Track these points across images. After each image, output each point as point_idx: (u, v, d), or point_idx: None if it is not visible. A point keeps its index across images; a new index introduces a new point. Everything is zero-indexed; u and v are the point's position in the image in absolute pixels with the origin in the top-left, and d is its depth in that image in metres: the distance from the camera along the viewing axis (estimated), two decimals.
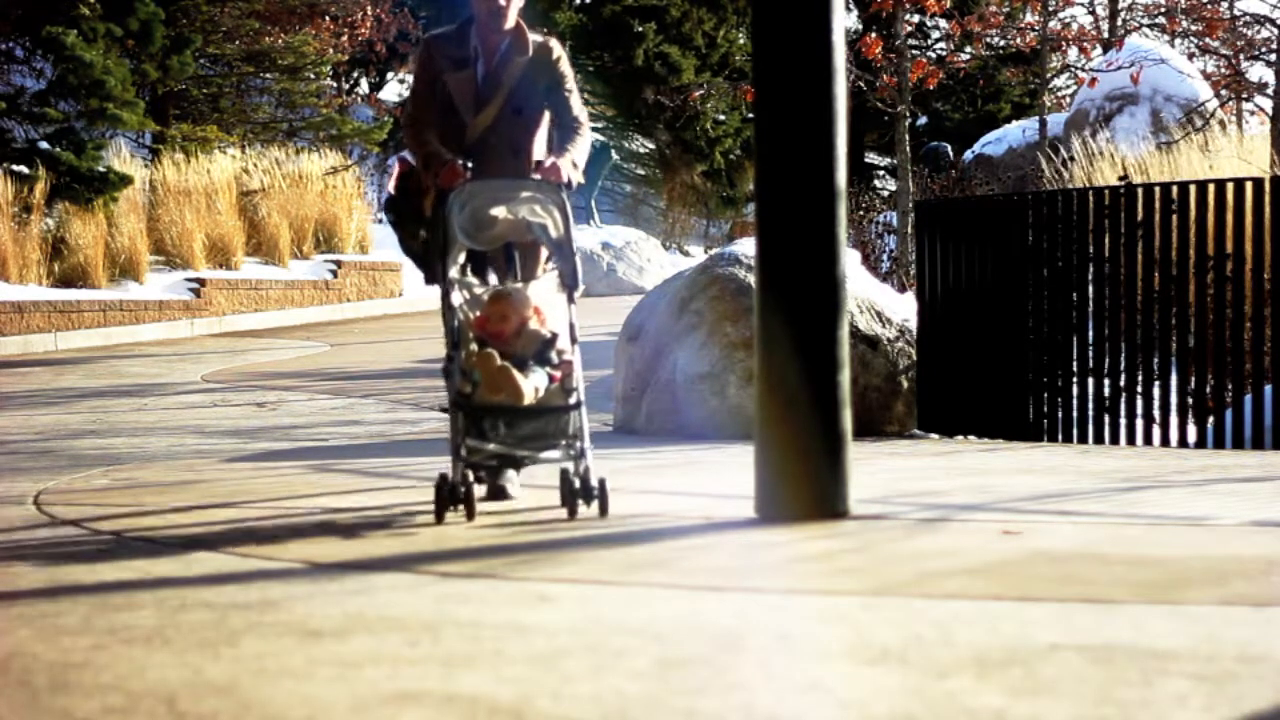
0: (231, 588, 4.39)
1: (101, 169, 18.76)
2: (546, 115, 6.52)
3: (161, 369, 14.90)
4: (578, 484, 5.58)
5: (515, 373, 5.65)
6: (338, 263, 21.48)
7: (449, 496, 5.53)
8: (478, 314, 5.94)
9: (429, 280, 6.21)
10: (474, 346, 5.77)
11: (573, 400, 5.75)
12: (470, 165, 6.16)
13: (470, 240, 5.93)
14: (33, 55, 20.36)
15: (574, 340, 5.91)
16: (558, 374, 5.79)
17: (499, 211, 5.90)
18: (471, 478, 5.60)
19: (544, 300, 5.96)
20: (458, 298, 5.90)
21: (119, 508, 6.37)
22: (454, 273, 5.91)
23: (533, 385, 5.71)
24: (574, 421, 5.72)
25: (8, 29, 20.36)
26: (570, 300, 5.96)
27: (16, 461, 8.52)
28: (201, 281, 19.43)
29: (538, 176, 6.18)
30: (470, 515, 5.52)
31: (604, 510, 5.55)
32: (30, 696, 3.15)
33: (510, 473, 6.18)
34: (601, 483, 5.57)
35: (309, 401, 11.92)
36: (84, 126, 19.22)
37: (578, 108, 6.52)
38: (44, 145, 18.71)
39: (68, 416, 11.10)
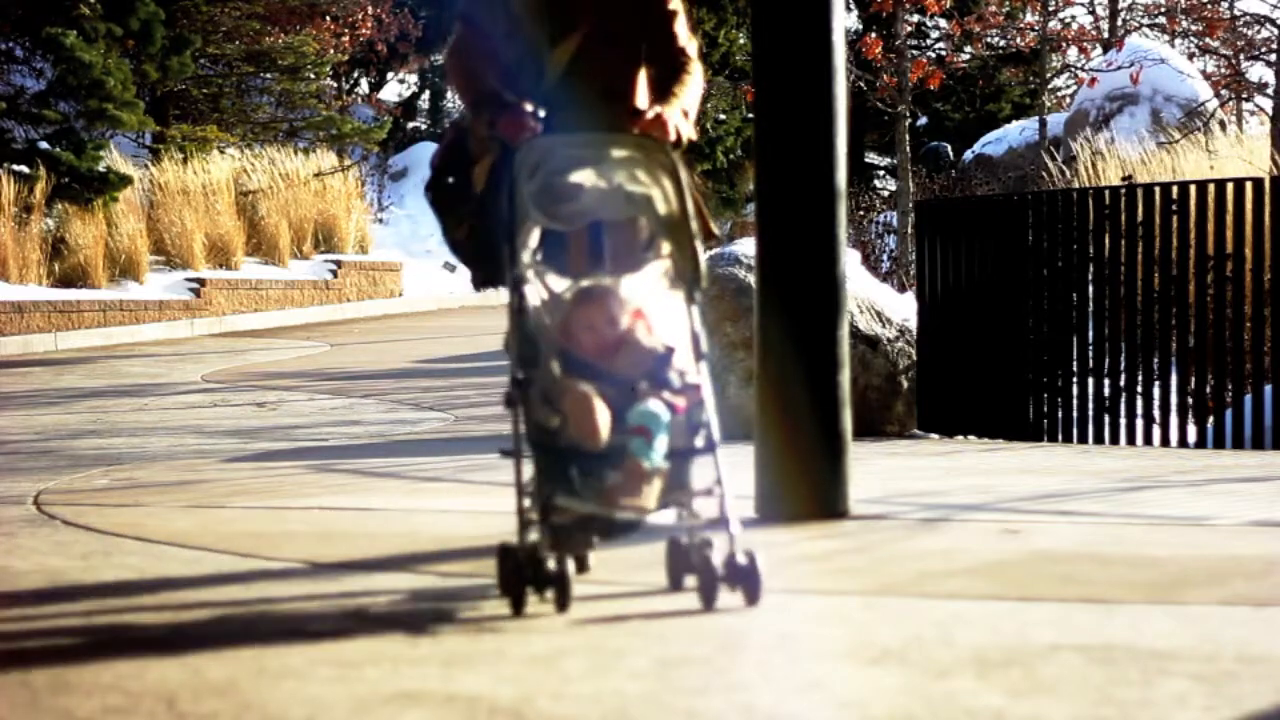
0: (231, 588, 4.39)
1: (101, 169, 18.75)
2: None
3: (161, 369, 14.90)
4: (718, 560, 3.94)
5: (597, 403, 4.02)
6: (338, 263, 21.48)
7: (529, 577, 3.92)
8: (560, 320, 4.24)
9: (481, 282, 4.73)
10: (555, 367, 4.09)
11: (701, 441, 4.09)
12: (542, 114, 4.51)
13: (545, 216, 4.23)
14: (33, 55, 20.35)
15: (700, 356, 4.20)
16: (680, 402, 4.09)
17: (584, 177, 4.27)
18: (556, 551, 3.95)
19: (651, 301, 4.30)
20: (533, 295, 4.17)
21: (119, 508, 6.36)
22: (526, 259, 4.20)
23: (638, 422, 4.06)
24: (706, 471, 4.07)
25: (8, 29, 20.35)
26: (691, 300, 4.28)
27: (16, 461, 8.52)
28: (201, 281, 19.43)
29: (635, 131, 4.63)
30: (564, 603, 3.85)
31: (755, 596, 3.90)
32: (30, 696, 3.14)
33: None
34: (752, 559, 3.91)
35: (309, 401, 11.92)
36: (84, 127, 19.21)
37: (684, 36, 4.95)
38: (44, 145, 18.71)
39: (68, 416, 11.10)
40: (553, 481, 3.97)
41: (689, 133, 4.65)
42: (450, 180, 4.79)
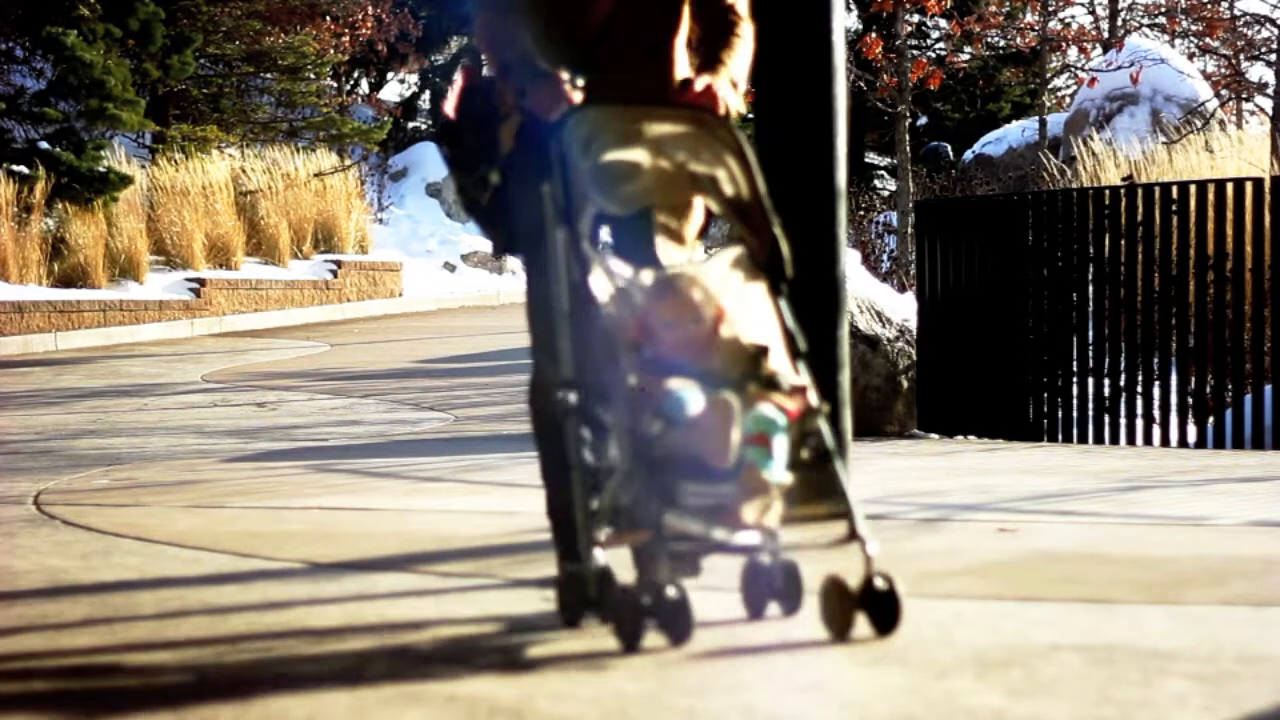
0: (231, 588, 4.39)
1: (101, 169, 18.75)
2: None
3: (161, 369, 14.90)
4: (852, 585, 3.46)
5: (732, 419, 3.49)
6: (338, 263, 21.47)
7: (629, 612, 3.39)
8: (630, 315, 3.67)
9: (501, 249, 4.22)
10: (632, 368, 3.57)
11: (808, 453, 3.60)
12: (580, 82, 3.93)
13: (603, 198, 3.76)
14: (33, 55, 20.36)
15: (797, 354, 3.70)
16: (792, 407, 3.58)
17: (640, 156, 3.79)
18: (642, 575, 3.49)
19: (730, 293, 3.77)
20: (603, 286, 3.65)
21: (119, 508, 6.36)
22: (593, 253, 3.70)
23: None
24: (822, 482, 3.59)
25: (8, 29, 20.35)
26: (776, 292, 3.77)
27: (16, 461, 8.52)
28: (201, 281, 19.43)
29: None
30: (680, 635, 3.36)
31: (893, 623, 3.45)
32: (30, 696, 3.14)
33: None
34: (892, 583, 3.45)
35: (309, 401, 11.91)
36: (84, 126, 19.21)
37: None
38: (44, 145, 18.71)
39: (68, 416, 11.10)
40: (657, 499, 3.41)
41: (738, 105, 4.01)
42: (471, 132, 4.15)
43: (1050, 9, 23.37)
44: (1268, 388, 8.84)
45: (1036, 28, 22.53)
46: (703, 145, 3.80)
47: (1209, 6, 22.61)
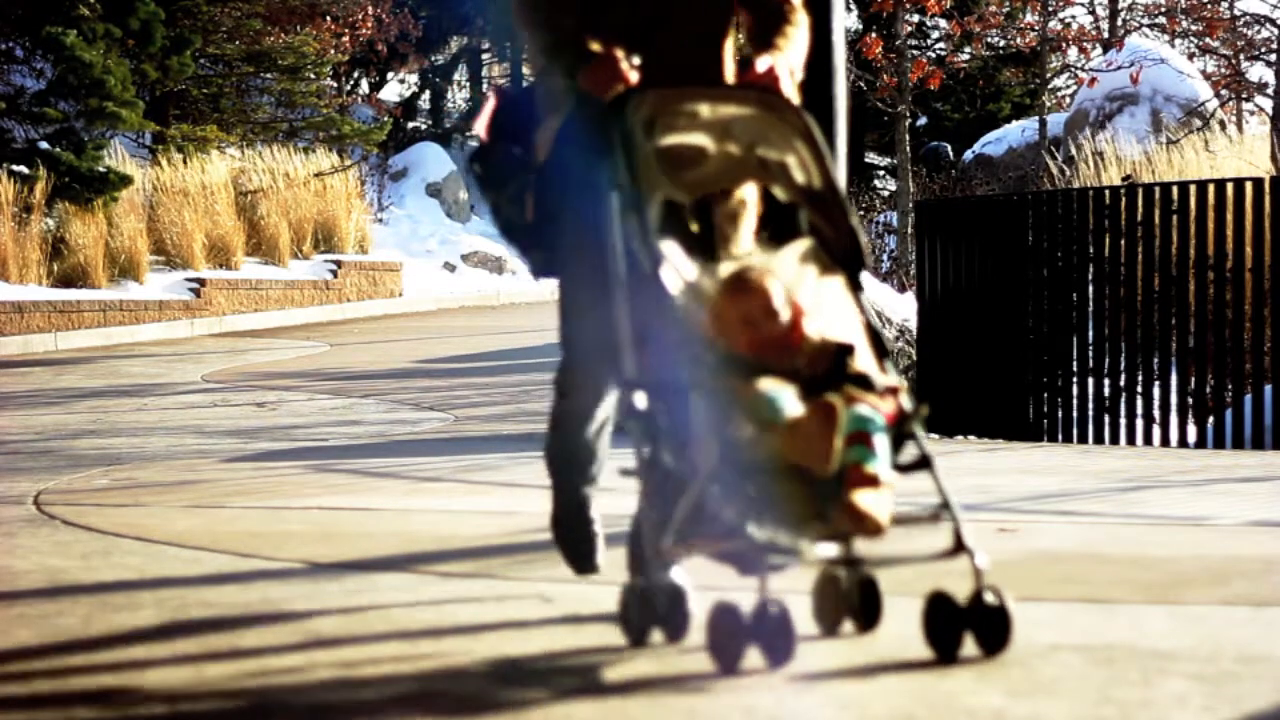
0: (231, 588, 4.39)
1: (101, 169, 18.75)
2: None
3: (161, 369, 14.90)
4: (957, 601, 3.25)
5: (835, 423, 3.21)
6: (338, 263, 21.47)
7: (727, 632, 3.13)
8: (698, 310, 3.43)
9: (542, 270, 3.94)
10: (710, 367, 3.33)
11: (911, 448, 3.39)
12: (636, 61, 3.68)
13: (668, 185, 3.52)
14: (33, 55, 20.34)
15: (884, 353, 3.48)
16: (887, 408, 3.35)
17: (706, 140, 3.54)
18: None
19: (804, 288, 3.51)
20: (674, 280, 3.40)
21: (119, 508, 6.36)
22: (663, 245, 3.42)
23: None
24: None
25: (8, 29, 20.34)
26: (855, 286, 3.55)
27: (16, 461, 8.52)
28: (201, 281, 19.42)
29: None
30: (781, 656, 3.09)
31: (1002, 643, 3.22)
32: (30, 696, 3.14)
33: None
34: (1002, 598, 3.24)
35: (309, 401, 11.91)
36: (84, 126, 19.20)
37: None
38: (44, 145, 18.70)
39: (68, 416, 11.10)
40: (747, 507, 3.16)
41: (792, 92, 3.75)
42: (504, 151, 3.92)
43: (1050, 9, 23.35)
44: (1268, 388, 8.84)
45: (1036, 28, 22.51)
46: (771, 129, 3.56)
47: (1209, 6, 22.60)
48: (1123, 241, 9.26)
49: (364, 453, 8.64)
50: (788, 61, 3.78)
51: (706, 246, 3.56)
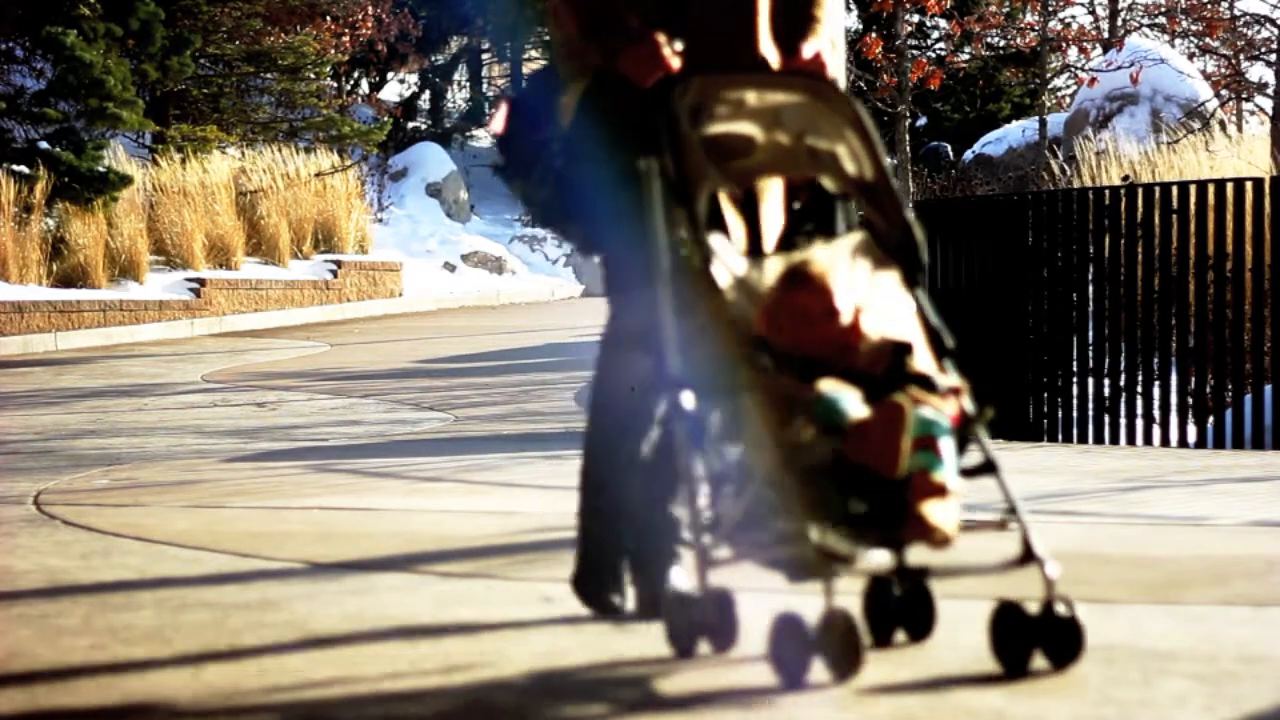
0: (231, 588, 4.39)
1: (101, 169, 18.75)
2: None
3: (161, 369, 14.90)
4: (1028, 611, 3.10)
5: (904, 425, 3.08)
6: (338, 263, 21.47)
7: (792, 643, 3.01)
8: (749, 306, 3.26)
9: (587, 247, 3.84)
10: (762, 366, 3.14)
11: (974, 451, 3.24)
12: (679, 45, 3.52)
13: (717, 175, 3.37)
14: (33, 55, 20.35)
15: (943, 352, 3.29)
16: (950, 411, 3.19)
17: (753, 128, 3.38)
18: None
19: (858, 283, 3.34)
20: (723, 274, 3.24)
21: (119, 508, 6.36)
22: (713, 238, 3.26)
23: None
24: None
25: (8, 29, 20.34)
26: (912, 282, 3.38)
27: (16, 461, 8.51)
28: (201, 281, 19.42)
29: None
30: (847, 668, 2.97)
31: (1073, 657, 3.09)
32: (30, 697, 3.14)
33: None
34: (1073, 608, 3.10)
35: (309, 401, 11.91)
36: (84, 126, 19.20)
37: None
38: (44, 145, 18.70)
39: (68, 416, 11.10)
40: (807, 513, 3.00)
41: (839, 76, 3.66)
42: (523, 135, 3.71)
43: (1050, 9, 23.37)
44: (1268, 388, 8.84)
45: (1036, 28, 22.53)
46: (820, 117, 3.37)
47: (1209, 6, 22.61)
48: (1123, 241, 9.26)
49: (364, 453, 8.64)
50: (828, 36, 3.62)
51: (749, 240, 3.45)
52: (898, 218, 3.37)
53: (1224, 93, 21.31)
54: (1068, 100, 26.68)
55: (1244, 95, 21.86)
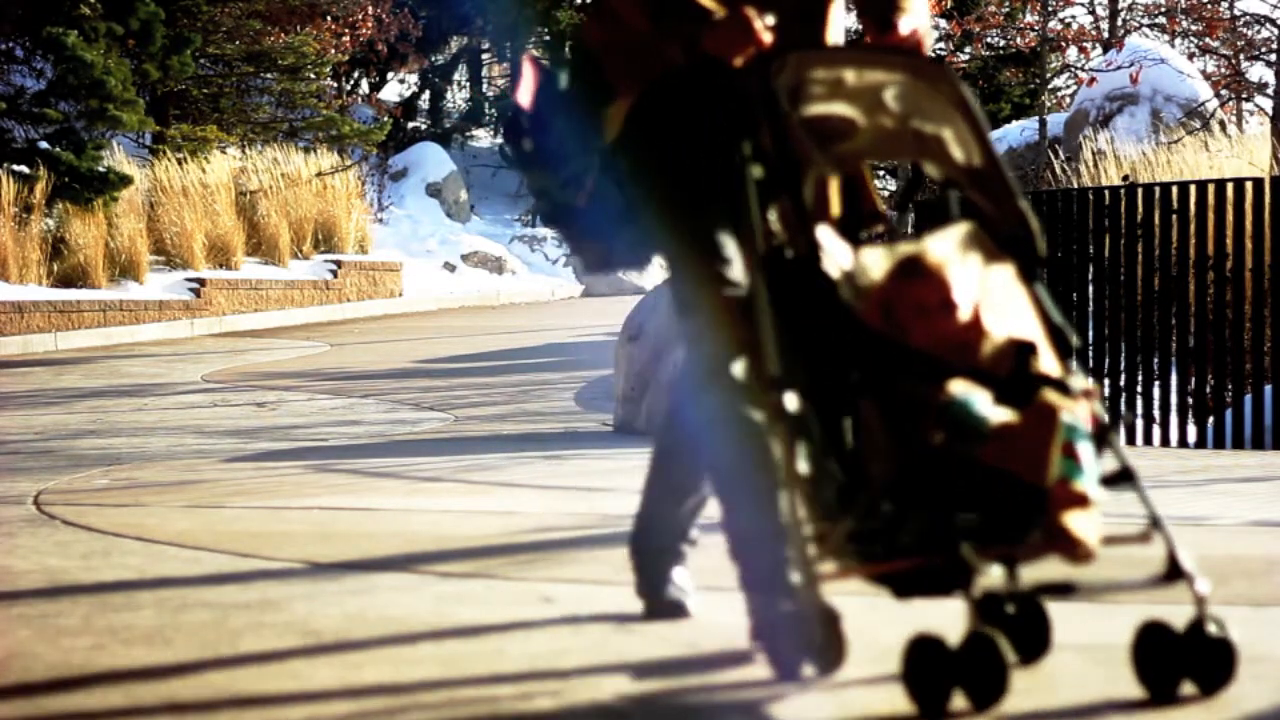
0: (231, 588, 4.39)
1: (101, 169, 18.75)
2: None
3: (161, 369, 14.90)
4: (1175, 630, 2.93)
5: (1056, 428, 2.89)
6: (338, 263, 21.47)
7: (932, 669, 2.81)
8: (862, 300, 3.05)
9: (598, 264, 3.59)
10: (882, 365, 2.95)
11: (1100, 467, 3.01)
12: (771, 20, 3.25)
13: (822, 160, 3.16)
14: (33, 55, 20.34)
15: (1068, 352, 3.06)
16: (1085, 413, 2.97)
17: (854, 110, 3.13)
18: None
19: (971, 277, 3.10)
20: (832, 268, 3.01)
21: (119, 508, 6.36)
22: (819, 230, 3.03)
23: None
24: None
25: (8, 29, 20.34)
26: (1030, 276, 3.12)
27: (16, 461, 8.51)
28: (201, 281, 19.42)
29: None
30: (988, 697, 2.77)
31: (1224, 681, 2.91)
32: (30, 696, 3.14)
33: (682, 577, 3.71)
34: (1225, 629, 2.93)
35: (309, 401, 11.91)
36: (84, 127, 19.21)
37: None
38: (44, 145, 18.71)
39: (68, 416, 11.10)
40: (943, 524, 2.82)
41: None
42: (562, 125, 3.40)
43: (1050, 9, 23.37)
44: (1268, 388, 8.84)
45: (1036, 28, 22.52)
46: (925, 99, 3.12)
47: (1209, 6, 22.62)
48: (1123, 241, 9.26)
49: (364, 453, 8.64)
50: (921, 18, 3.37)
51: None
52: (1012, 207, 3.11)
53: (1224, 93, 21.31)
54: (1068, 100, 26.69)
55: (1244, 95, 21.87)
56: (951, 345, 2.95)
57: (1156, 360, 9.22)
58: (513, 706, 2.97)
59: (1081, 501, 2.89)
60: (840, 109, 3.11)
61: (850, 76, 3.09)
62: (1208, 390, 9.06)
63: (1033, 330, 3.03)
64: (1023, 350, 2.96)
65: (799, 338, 2.99)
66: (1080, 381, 2.98)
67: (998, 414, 2.86)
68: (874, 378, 2.88)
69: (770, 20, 3.22)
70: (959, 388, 2.87)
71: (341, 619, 3.86)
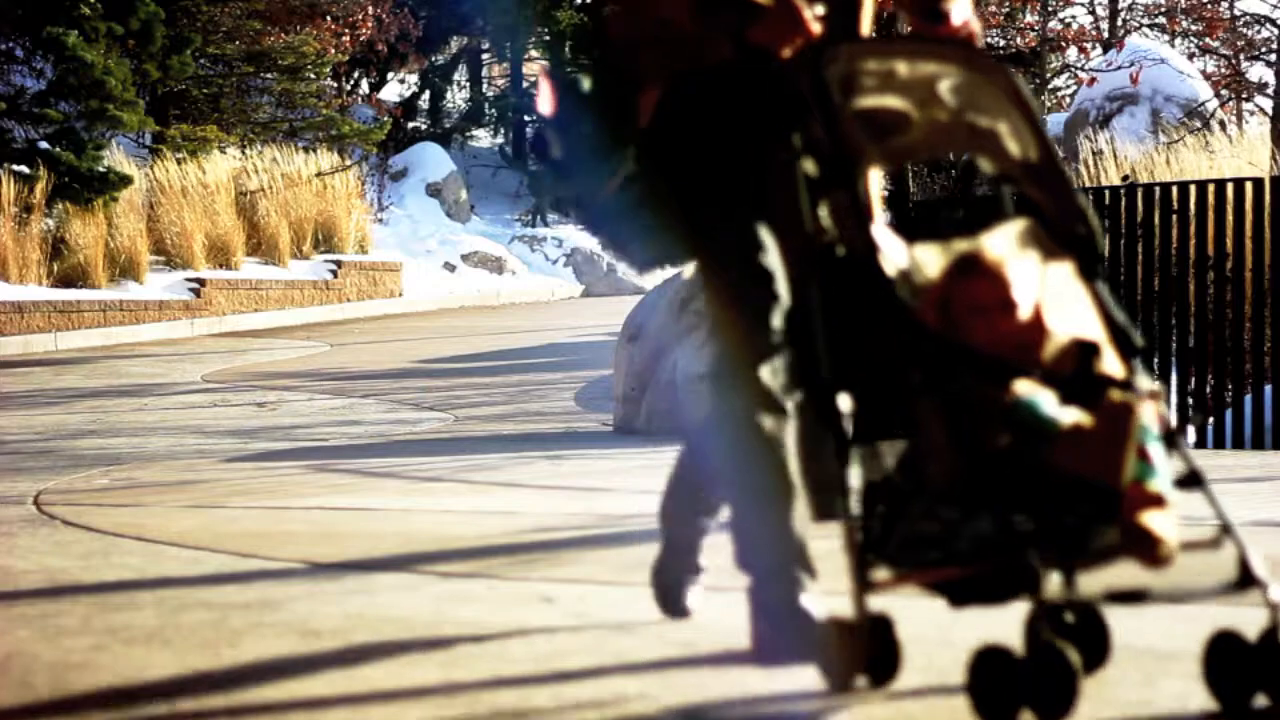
0: (231, 588, 4.39)
1: (101, 169, 18.76)
2: None
3: (161, 369, 14.90)
4: (1248, 640, 2.89)
5: (1132, 428, 2.81)
6: (338, 263, 21.47)
7: (995, 682, 2.71)
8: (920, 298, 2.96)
9: (647, 262, 3.48)
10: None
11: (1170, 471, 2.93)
12: (820, 10, 3.25)
13: (877, 154, 3.08)
14: (33, 55, 20.35)
15: (1132, 352, 2.95)
16: (1155, 414, 2.87)
17: (906, 103, 3.03)
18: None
19: (1029, 275, 2.99)
20: (889, 266, 2.92)
21: (119, 508, 6.36)
22: (876, 228, 2.94)
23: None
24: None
25: (8, 29, 20.35)
26: (1091, 274, 3.00)
27: (16, 461, 8.52)
28: (201, 281, 19.42)
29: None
30: (1056, 710, 2.63)
31: None
32: (30, 696, 3.14)
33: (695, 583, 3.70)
34: None
35: (309, 401, 11.91)
36: (84, 127, 19.21)
37: None
38: (44, 145, 18.71)
39: (68, 416, 11.10)
40: (1013, 530, 2.72)
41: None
42: (591, 122, 3.29)
43: (1050, 9, 23.38)
44: (1268, 388, 8.84)
45: (1036, 28, 22.54)
46: (979, 91, 3.03)
47: (1209, 6, 22.63)
48: (1123, 241, 9.26)
49: (364, 453, 8.64)
50: (969, 10, 3.28)
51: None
52: (1070, 203, 3.02)
53: (1224, 93, 21.32)
54: (1068, 100, 26.69)
55: (1244, 95, 21.87)
56: (1013, 345, 2.87)
57: (1156, 360, 9.22)
58: (513, 706, 2.97)
59: (1158, 502, 2.84)
60: (893, 102, 3.02)
61: (903, 69, 3.01)
62: (1208, 390, 9.06)
63: (1095, 330, 2.95)
64: (1086, 350, 2.88)
65: (853, 337, 2.91)
66: (1146, 382, 2.90)
67: (1066, 415, 2.79)
68: (935, 378, 2.80)
69: (820, 10, 3.17)
70: (1024, 388, 2.79)
71: (341, 619, 3.86)
